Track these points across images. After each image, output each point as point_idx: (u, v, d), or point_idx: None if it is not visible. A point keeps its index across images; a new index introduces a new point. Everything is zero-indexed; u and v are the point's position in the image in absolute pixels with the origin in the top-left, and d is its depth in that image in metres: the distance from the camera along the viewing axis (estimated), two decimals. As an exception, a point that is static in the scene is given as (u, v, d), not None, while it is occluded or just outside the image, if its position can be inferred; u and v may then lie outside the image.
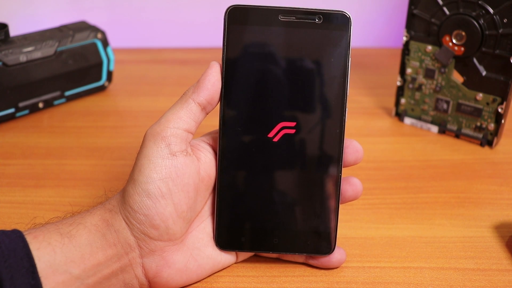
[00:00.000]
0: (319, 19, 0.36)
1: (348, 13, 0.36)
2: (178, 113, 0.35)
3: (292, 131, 0.36)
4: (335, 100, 0.36)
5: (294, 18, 0.36)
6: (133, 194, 0.33)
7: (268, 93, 0.36)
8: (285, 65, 0.36)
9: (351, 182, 0.38)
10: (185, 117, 0.35)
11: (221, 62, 0.36)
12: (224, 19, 0.36)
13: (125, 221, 0.34)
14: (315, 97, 0.36)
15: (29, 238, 0.31)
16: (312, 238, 0.37)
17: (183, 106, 0.35)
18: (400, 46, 0.67)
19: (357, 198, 0.38)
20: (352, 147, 0.38)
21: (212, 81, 0.36)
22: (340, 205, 0.37)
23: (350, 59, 0.36)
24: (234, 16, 0.36)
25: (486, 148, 0.55)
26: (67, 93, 0.63)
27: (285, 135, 0.37)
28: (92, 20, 0.74)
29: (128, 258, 0.34)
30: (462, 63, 0.54)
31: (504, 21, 0.50)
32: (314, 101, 0.36)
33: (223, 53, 0.36)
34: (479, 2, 0.51)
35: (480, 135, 0.55)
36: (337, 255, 0.38)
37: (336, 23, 0.36)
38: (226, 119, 0.36)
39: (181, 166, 0.34)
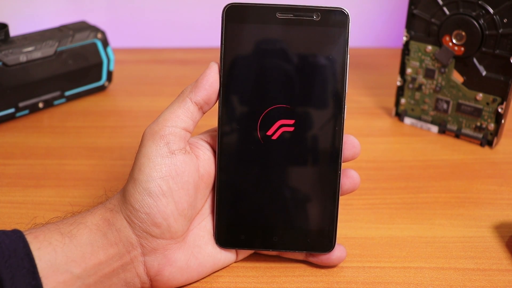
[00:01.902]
0: (317, 16, 0.36)
1: (346, 10, 0.35)
2: (176, 112, 0.35)
3: (291, 128, 0.36)
4: (334, 97, 0.36)
5: (292, 15, 0.36)
6: (134, 193, 0.33)
7: (266, 91, 0.36)
8: (283, 62, 0.36)
9: (349, 175, 0.38)
10: (182, 115, 0.35)
11: (219, 61, 0.36)
12: (222, 17, 0.36)
13: (126, 220, 0.34)
14: (314, 94, 0.36)
15: (29, 238, 0.31)
16: (312, 235, 0.37)
17: (181, 105, 0.35)
18: (400, 46, 0.67)
19: (355, 190, 0.38)
20: (349, 142, 0.37)
21: (210, 81, 0.36)
22: (340, 204, 0.37)
23: (348, 56, 0.36)
24: (232, 14, 0.36)
25: (486, 148, 0.55)
26: (67, 93, 0.63)
27: (284, 132, 0.37)
28: (92, 20, 0.74)
29: (130, 256, 0.34)
30: (462, 63, 0.54)
31: (504, 21, 0.50)
32: (313, 98, 0.36)
33: (221, 51, 0.36)
34: (479, 2, 0.51)
35: (480, 135, 0.55)
36: (337, 252, 0.38)
37: (334, 20, 0.35)
38: (224, 117, 0.36)
39: (180, 164, 0.34)
